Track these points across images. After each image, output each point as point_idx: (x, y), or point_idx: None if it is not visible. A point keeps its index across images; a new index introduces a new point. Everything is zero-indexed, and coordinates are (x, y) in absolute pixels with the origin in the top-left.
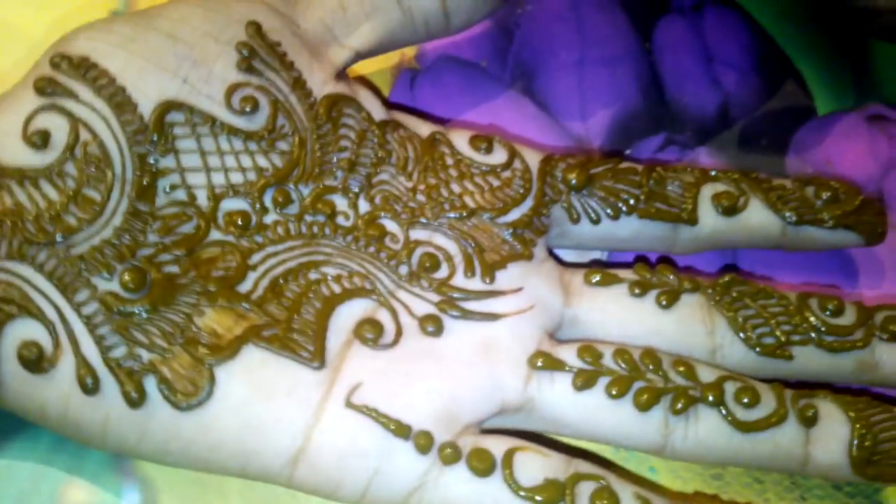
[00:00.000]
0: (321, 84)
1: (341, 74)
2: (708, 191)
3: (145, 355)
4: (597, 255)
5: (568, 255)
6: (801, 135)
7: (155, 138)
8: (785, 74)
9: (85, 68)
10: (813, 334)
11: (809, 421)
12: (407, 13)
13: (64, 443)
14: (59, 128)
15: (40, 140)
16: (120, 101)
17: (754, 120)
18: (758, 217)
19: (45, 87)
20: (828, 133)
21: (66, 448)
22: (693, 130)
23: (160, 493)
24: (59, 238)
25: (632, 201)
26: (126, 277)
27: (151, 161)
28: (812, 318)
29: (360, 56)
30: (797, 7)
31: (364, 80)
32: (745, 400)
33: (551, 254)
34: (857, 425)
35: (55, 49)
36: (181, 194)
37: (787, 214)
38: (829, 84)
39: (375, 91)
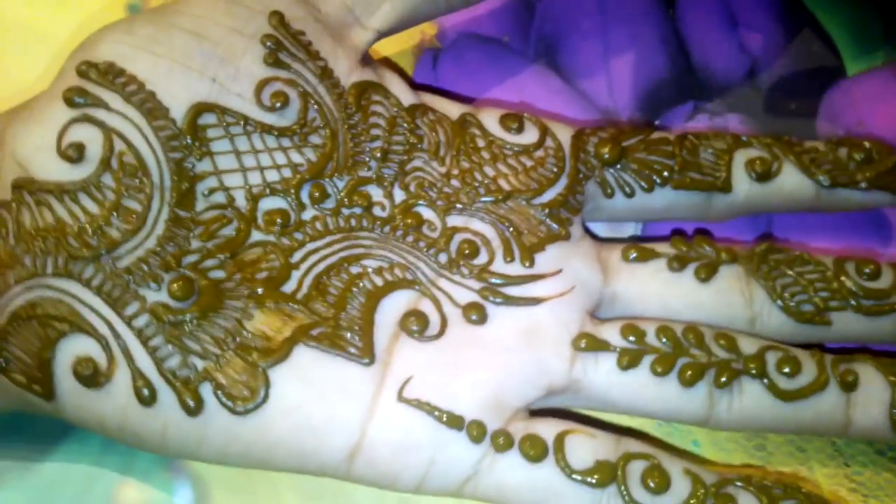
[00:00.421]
0: (348, 71)
1: (366, 58)
2: (741, 157)
3: (199, 363)
4: (630, 225)
5: (600, 227)
6: (830, 96)
7: (189, 142)
8: (812, 35)
9: (113, 75)
10: (851, 299)
11: (850, 386)
12: None
13: (114, 443)
14: (93, 139)
15: (76, 153)
16: (151, 107)
17: (783, 84)
18: (791, 181)
19: (74, 97)
20: (858, 93)
21: (117, 448)
22: (721, 97)
23: (211, 486)
24: (103, 252)
25: (665, 173)
26: (174, 287)
27: (188, 166)
28: (849, 283)
29: (381, 35)
30: None
31: (388, 62)
32: (787, 369)
33: (586, 230)
34: None
35: (79, 56)
36: (220, 197)
37: (821, 178)
38: (858, 41)
39: (401, 73)
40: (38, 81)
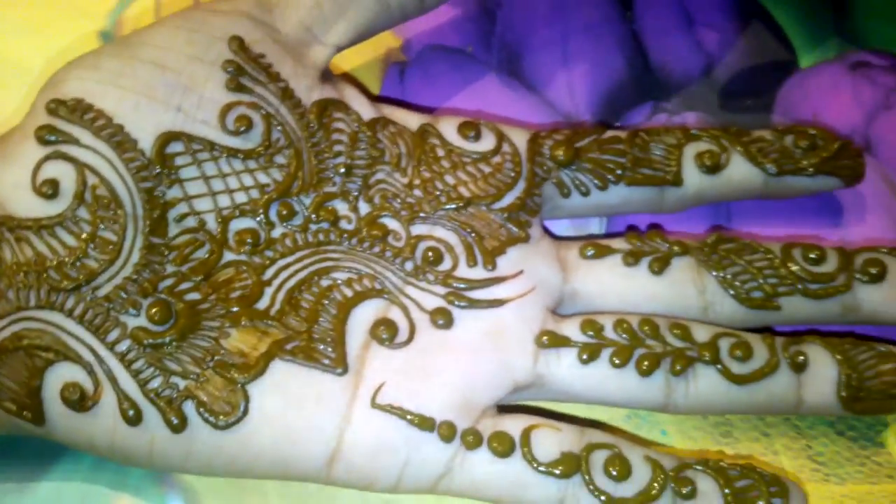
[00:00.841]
0: (308, 90)
1: (325, 74)
2: (691, 150)
3: (181, 382)
4: (595, 220)
5: (566, 223)
6: (785, 90)
7: (159, 171)
8: (766, 30)
9: (81, 111)
10: (798, 284)
11: (800, 367)
12: (382, 1)
13: (106, 460)
14: (66, 175)
15: (50, 190)
16: (120, 140)
17: (738, 79)
18: (740, 172)
19: (45, 135)
20: (812, 86)
21: (109, 465)
22: (680, 96)
23: (202, 497)
24: (83, 283)
25: (618, 170)
26: (152, 312)
27: (159, 194)
28: (796, 269)
29: (339, 50)
30: None
31: (348, 76)
32: (739, 354)
33: (545, 229)
34: (844, 366)
35: (48, 93)
36: (191, 221)
37: (769, 166)
38: (810, 32)
39: (360, 87)
40: (14, 113)
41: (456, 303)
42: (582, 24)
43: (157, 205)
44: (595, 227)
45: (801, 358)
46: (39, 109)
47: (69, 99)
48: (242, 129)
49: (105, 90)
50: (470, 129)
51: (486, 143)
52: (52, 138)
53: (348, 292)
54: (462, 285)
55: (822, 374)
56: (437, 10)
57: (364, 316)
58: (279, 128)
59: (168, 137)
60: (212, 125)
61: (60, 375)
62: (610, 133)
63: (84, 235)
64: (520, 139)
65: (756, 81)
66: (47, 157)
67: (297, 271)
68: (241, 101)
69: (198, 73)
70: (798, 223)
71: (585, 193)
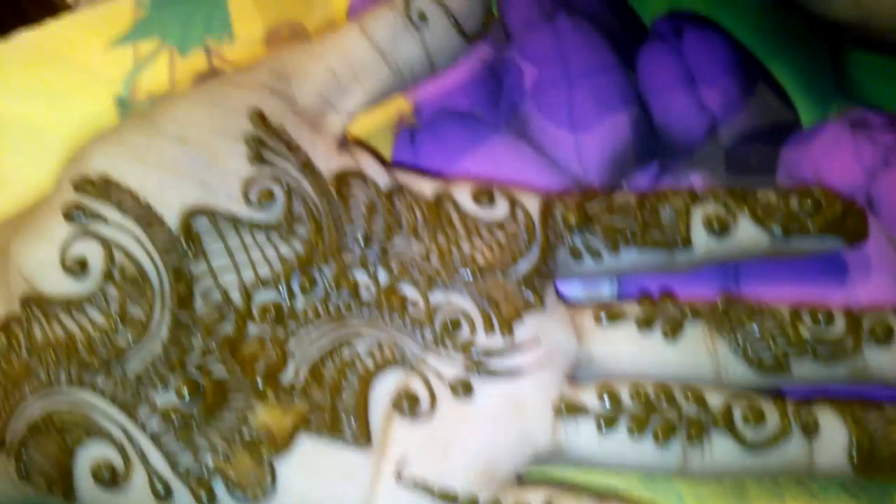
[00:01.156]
0: (326, 159)
1: (342, 141)
2: (698, 213)
3: (209, 459)
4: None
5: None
6: (788, 149)
7: (185, 247)
8: (767, 90)
9: (108, 188)
10: (807, 348)
11: (811, 430)
12: (394, 69)
13: None
14: (94, 253)
15: (79, 268)
16: (147, 218)
17: (742, 140)
18: (747, 234)
19: (73, 212)
20: (814, 145)
21: None
22: (685, 157)
23: None
24: (113, 360)
25: (629, 234)
26: (181, 388)
27: (185, 269)
28: (805, 332)
29: (353, 116)
30: (773, 19)
31: (361, 142)
32: (752, 420)
33: (558, 293)
34: (855, 430)
35: (74, 168)
36: (216, 296)
37: (775, 228)
38: (812, 93)
39: (374, 153)
40: (29, 175)
41: (475, 372)
42: (587, 86)
43: (183, 280)
44: (606, 286)
45: (813, 422)
46: (66, 186)
47: (96, 176)
48: (265, 202)
49: (131, 167)
50: (484, 195)
51: (500, 209)
52: (80, 216)
53: (370, 363)
54: (481, 354)
55: (833, 438)
56: (446, 73)
57: (385, 386)
58: (300, 199)
59: (193, 213)
60: (235, 199)
61: (91, 453)
62: (619, 197)
63: (113, 313)
64: (532, 204)
65: (760, 141)
66: (75, 235)
67: (319, 342)
68: (262, 174)
69: (220, 147)
70: (804, 282)
71: (597, 257)
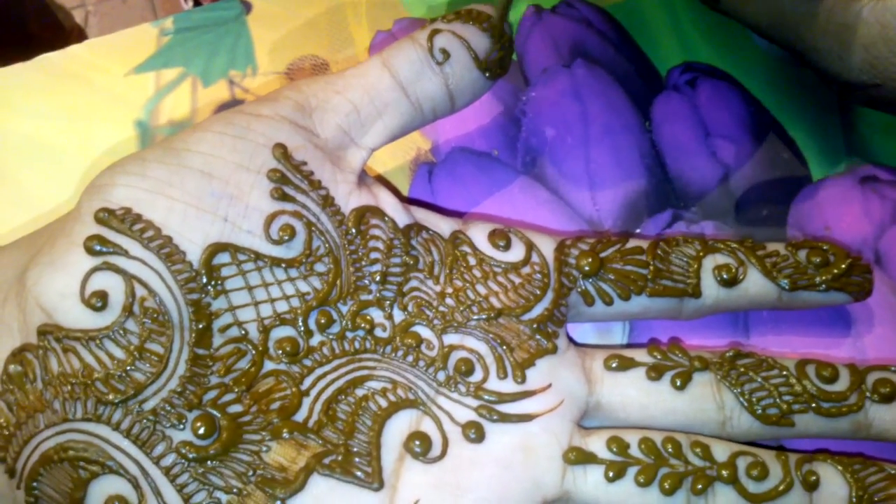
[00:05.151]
0: (346, 195)
1: (361, 176)
2: (709, 263)
3: (223, 497)
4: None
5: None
6: (798, 202)
7: (205, 282)
8: (779, 143)
9: (130, 222)
10: (812, 403)
11: (812, 486)
12: (416, 104)
13: None
14: (115, 287)
15: (100, 302)
16: (169, 252)
17: (754, 191)
18: (756, 286)
19: (94, 245)
20: (824, 199)
21: None
22: (697, 205)
23: None
24: (130, 396)
25: (640, 282)
26: (198, 426)
27: (204, 305)
28: (810, 387)
29: (373, 151)
30: (786, 74)
31: (380, 178)
32: (755, 473)
33: (569, 338)
34: (855, 486)
35: (95, 197)
36: (234, 331)
37: (783, 282)
38: (822, 148)
39: (392, 189)
40: (52, 196)
41: (487, 416)
42: (603, 132)
43: (203, 316)
44: (618, 330)
45: (814, 478)
46: (87, 217)
47: (118, 209)
48: (286, 238)
49: (154, 199)
50: (500, 238)
51: (516, 252)
52: (102, 249)
53: (383, 403)
54: (493, 398)
55: (834, 493)
56: (465, 117)
57: (398, 427)
58: (320, 236)
59: (215, 249)
60: (257, 235)
61: (105, 488)
62: (632, 243)
63: (132, 348)
64: (547, 248)
65: (771, 193)
66: (96, 269)
67: (333, 380)
68: (284, 210)
69: (243, 182)
70: (811, 332)
71: (609, 303)
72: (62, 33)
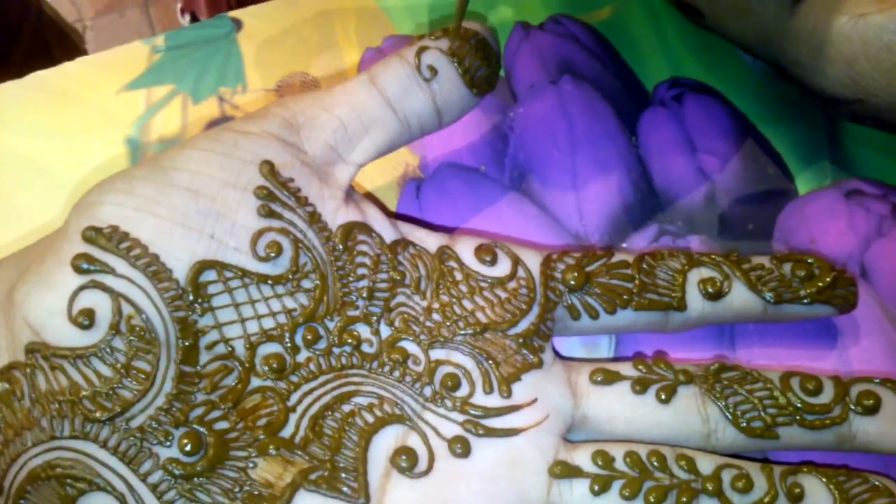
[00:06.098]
0: (334, 212)
1: (349, 193)
2: (694, 276)
3: None
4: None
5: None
6: (784, 216)
7: (192, 300)
8: (765, 158)
9: (117, 240)
10: (796, 415)
11: (797, 498)
12: (403, 120)
13: None
14: (102, 305)
15: (87, 320)
16: (156, 270)
17: (739, 205)
18: (740, 299)
19: (82, 264)
20: (809, 212)
21: None
22: (683, 220)
23: None
24: (117, 413)
25: (626, 296)
26: (184, 442)
27: (191, 323)
28: (794, 400)
29: (361, 167)
30: (772, 89)
31: (371, 196)
32: (740, 486)
33: (555, 351)
34: (839, 498)
35: (83, 215)
36: (221, 349)
37: (768, 295)
38: (808, 161)
39: (379, 204)
40: (43, 213)
41: (473, 431)
42: (590, 148)
43: (189, 333)
44: (605, 343)
45: (798, 490)
46: (75, 235)
47: (105, 227)
48: (273, 255)
49: (141, 218)
50: (486, 253)
51: (502, 267)
52: (89, 267)
53: (369, 418)
54: (479, 413)
55: None
56: (453, 133)
57: (384, 442)
58: (307, 252)
59: (202, 266)
60: (243, 252)
61: None
62: (618, 257)
63: (119, 366)
64: (533, 262)
65: (756, 207)
66: (83, 287)
67: (320, 396)
68: (271, 227)
69: (230, 199)
70: (797, 345)
71: (595, 317)
72: (77, 53)
